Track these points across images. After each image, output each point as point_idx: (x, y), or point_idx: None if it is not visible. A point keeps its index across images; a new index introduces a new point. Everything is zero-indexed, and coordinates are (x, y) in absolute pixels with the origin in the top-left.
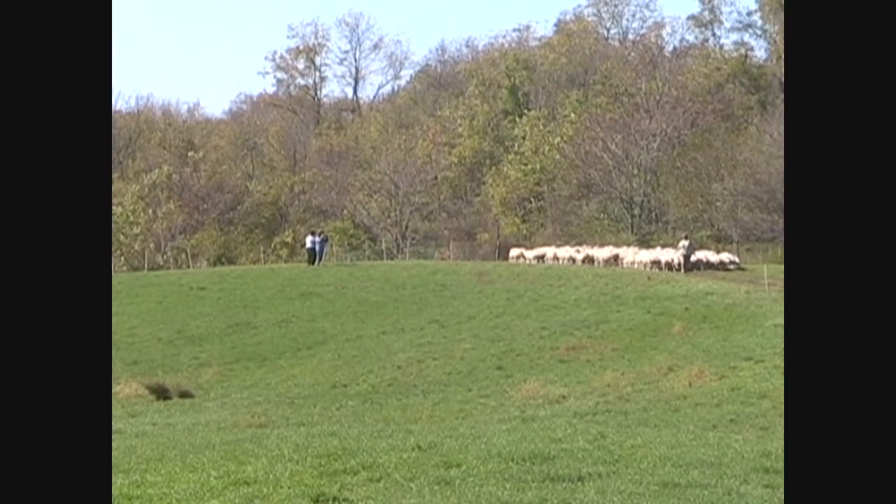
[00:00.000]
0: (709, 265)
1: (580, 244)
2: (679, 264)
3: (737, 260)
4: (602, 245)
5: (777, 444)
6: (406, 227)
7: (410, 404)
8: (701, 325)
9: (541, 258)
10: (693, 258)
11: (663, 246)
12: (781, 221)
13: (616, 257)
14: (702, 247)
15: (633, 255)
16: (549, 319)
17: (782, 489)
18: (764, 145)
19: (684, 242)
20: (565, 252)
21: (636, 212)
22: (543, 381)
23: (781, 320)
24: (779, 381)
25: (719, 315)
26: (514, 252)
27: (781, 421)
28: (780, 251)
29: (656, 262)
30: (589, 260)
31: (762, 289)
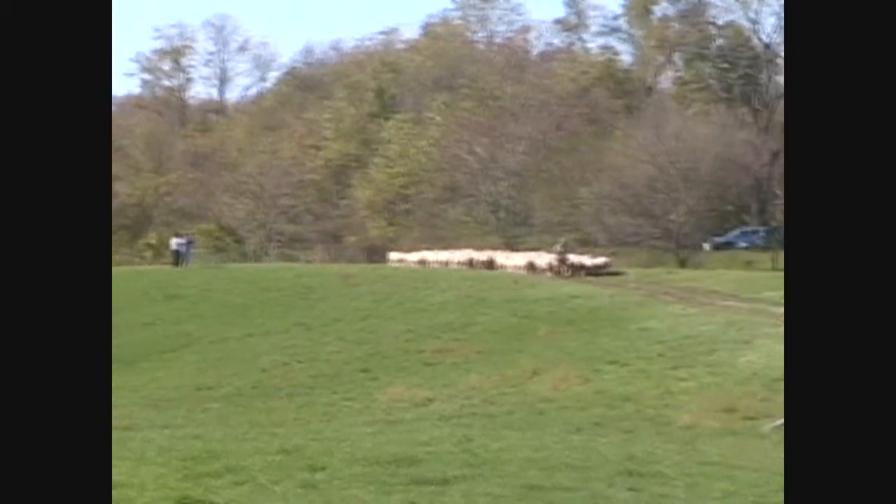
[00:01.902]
0: (583, 268)
1: (457, 248)
2: (555, 268)
3: (608, 262)
4: (481, 249)
5: (641, 448)
6: (272, 230)
7: (276, 407)
8: (566, 329)
9: (423, 262)
10: (569, 262)
11: (529, 250)
12: (646, 225)
13: (492, 261)
14: (573, 250)
15: (506, 259)
16: (415, 322)
17: (646, 492)
18: (630, 149)
19: (558, 247)
20: (445, 256)
21: (502, 215)
22: (409, 385)
23: (646, 324)
24: (643, 385)
25: (584, 318)
26: (394, 256)
27: (645, 424)
28: (644, 255)
29: (531, 266)
30: (469, 263)
31: (628, 292)
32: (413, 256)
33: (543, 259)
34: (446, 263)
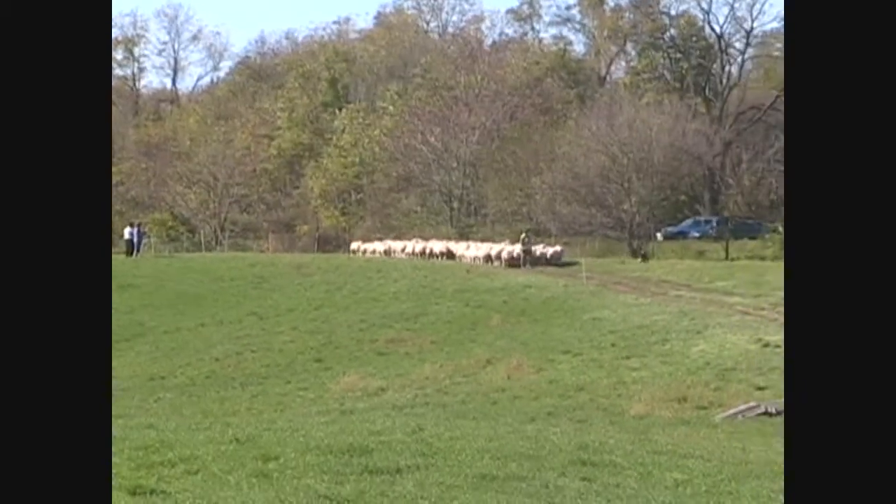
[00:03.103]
0: (543, 259)
1: (409, 238)
2: (520, 258)
3: (560, 251)
4: (435, 238)
5: (594, 437)
6: (225, 219)
7: (229, 397)
8: (519, 319)
9: (388, 252)
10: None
11: (483, 240)
12: (599, 215)
13: (449, 252)
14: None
15: (465, 250)
16: (368, 312)
17: (599, 482)
18: (582, 139)
19: (524, 237)
20: (410, 246)
21: (455, 205)
22: (362, 374)
23: (599, 314)
24: (596, 374)
25: (537, 308)
26: (355, 245)
27: (598, 414)
28: (597, 245)
29: (490, 257)
30: (429, 254)
31: (580, 283)
32: (378, 246)
33: (508, 250)
34: (413, 253)
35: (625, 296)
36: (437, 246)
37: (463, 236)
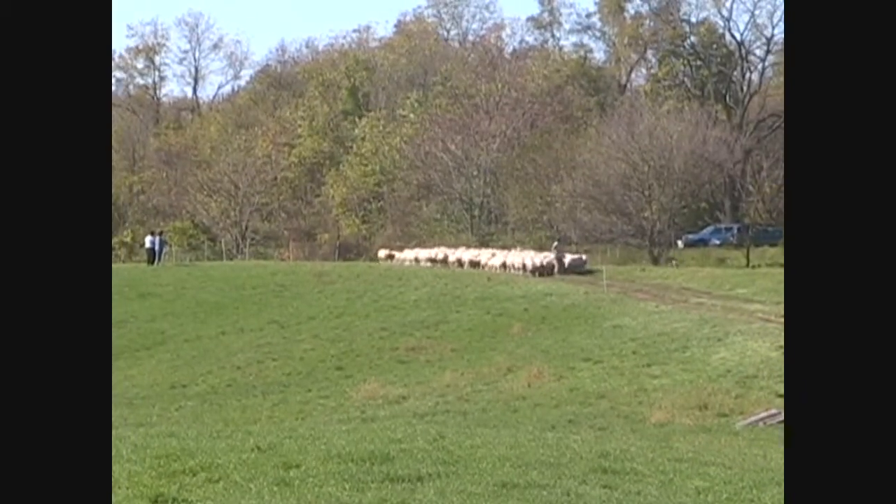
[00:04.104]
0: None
1: (450, 247)
2: (553, 267)
3: (583, 259)
4: (455, 246)
5: (615, 445)
6: (246, 228)
7: (250, 405)
8: (540, 326)
9: (416, 260)
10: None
11: (504, 248)
12: (619, 223)
13: (478, 262)
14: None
15: (489, 259)
16: (388, 320)
17: (620, 490)
18: (603, 147)
19: (556, 244)
20: (430, 253)
21: (476, 213)
22: (383, 382)
23: (619, 321)
24: (616, 382)
25: (558, 316)
26: (382, 253)
27: (619, 421)
28: (618, 252)
29: (525, 266)
30: (458, 263)
31: (601, 290)
32: (409, 254)
33: (541, 258)
34: (436, 260)
35: (645, 303)
36: (467, 255)
37: (483, 244)
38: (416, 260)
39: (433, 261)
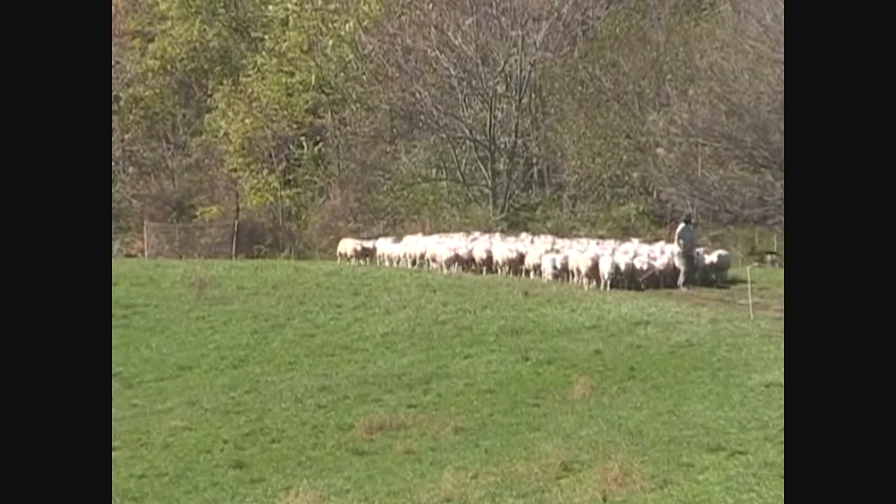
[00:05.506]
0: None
1: (456, 232)
2: (678, 273)
3: (725, 256)
4: (484, 232)
5: None
6: None
7: None
8: (624, 384)
9: (415, 260)
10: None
11: (552, 231)
12: (778, 185)
13: (519, 259)
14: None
15: (540, 256)
16: (334, 372)
17: None
18: (748, 40)
19: (682, 227)
20: (434, 247)
21: (502, 166)
22: (325, 493)
23: (776, 376)
24: (773, 491)
25: (660, 365)
26: (347, 246)
27: None
28: (775, 241)
29: (620, 271)
30: (486, 264)
31: (742, 314)
32: (396, 249)
33: (642, 256)
34: (467, 261)
35: None
36: (502, 248)
37: (514, 225)
38: (415, 259)
39: (452, 260)
